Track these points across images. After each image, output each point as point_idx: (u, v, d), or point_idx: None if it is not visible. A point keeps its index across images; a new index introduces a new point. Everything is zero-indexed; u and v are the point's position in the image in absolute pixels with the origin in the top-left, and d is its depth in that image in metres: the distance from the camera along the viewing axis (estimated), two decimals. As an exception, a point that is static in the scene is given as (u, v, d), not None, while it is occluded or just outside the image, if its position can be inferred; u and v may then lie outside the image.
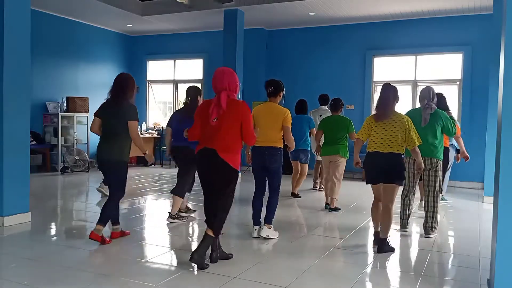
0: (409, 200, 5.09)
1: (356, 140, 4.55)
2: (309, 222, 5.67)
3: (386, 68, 9.62)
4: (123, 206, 6.38)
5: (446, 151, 5.77)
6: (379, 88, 9.59)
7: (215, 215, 3.71)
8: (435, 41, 9.00)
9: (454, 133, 5.03)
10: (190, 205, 6.08)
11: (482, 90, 8.23)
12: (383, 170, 4.25)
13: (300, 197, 7.13)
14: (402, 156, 4.36)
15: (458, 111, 8.81)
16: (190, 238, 4.82)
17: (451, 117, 5.53)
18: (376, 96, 9.66)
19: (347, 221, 5.58)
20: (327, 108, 7.63)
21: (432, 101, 4.90)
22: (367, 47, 9.64)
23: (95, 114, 4.36)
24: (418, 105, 5.19)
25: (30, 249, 4.25)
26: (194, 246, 4.45)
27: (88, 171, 9.58)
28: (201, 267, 3.63)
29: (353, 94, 9.64)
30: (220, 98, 3.65)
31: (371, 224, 5.47)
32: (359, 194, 7.41)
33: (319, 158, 7.25)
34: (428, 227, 4.92)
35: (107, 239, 4.32)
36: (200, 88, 5.52)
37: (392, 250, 4.31)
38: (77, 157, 9.39)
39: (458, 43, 8.82)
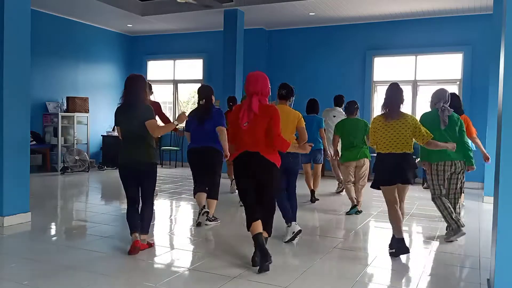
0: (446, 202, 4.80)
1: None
2: (309, 222, 5.67)
3: (386, 68, 9.61)
4: (123, 206, 6.37)
5: None
6: (379, 88, 9.73)
7: (268, 218, 3.85)
8: (435, 41, 8.99)
9: (462, 140, 4.83)
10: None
11: (482, 90, 8.22)
12: (399, 171, 4.17)
13: (318, 200, 6.88)
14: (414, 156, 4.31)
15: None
16: (190, 238, 4.81)
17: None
18: (376, 96, 9.68)
19: (347, 221, 5.58)
20: (341, 110, 7.55)
21: (447, 103, 4.79)
22: (367, 47, 9.64)
23: (115, 124, 4.25)
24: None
25: (30, 249, 4.25)
26: (194, 245, 4.46)
27: (88, 171, 9.58)
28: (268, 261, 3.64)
29: (353, 94, 9.59)
30: (251, 102, 3.65)
31: (371, 224, 5.48)
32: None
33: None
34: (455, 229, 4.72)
35: (151, 242, 4.29)
36: (211, 87, 5.34)
37: (408, 251, 4.16)
38: (77, 157, 9.40)
39: (458, 43, 8.81)
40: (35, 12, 7.72)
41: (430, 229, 5.27)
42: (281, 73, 10.34)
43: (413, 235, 5.08)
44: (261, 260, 3.60)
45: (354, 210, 5.97)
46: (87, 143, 10.15)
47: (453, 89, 8.98)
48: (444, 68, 9.09)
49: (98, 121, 10.75)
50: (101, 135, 10.73)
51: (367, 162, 6.12)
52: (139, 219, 4.17)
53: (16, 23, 4.91)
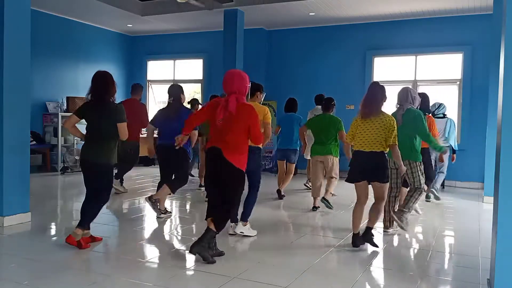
0: (393, 202, 4.98)
1: (346, 144, 4.58)
2: (308, 222, 5.67)
3: (386, 68, 9.62)
4: (123, 206, 6.38)
5: (424, 151, 5.37)
6: (379, 88, 9.68)
7: (219, 212, 3.81)
8: (435, 41, 8.99)
9: (426, 135, 4.83)
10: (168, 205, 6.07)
11: (482, 90, 8.23)
12: (365, 169, 4.27)
13: (284, 196, 6.91)
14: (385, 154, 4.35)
15: (458, 111, 8.82)
16: (190, 238, 4.81)
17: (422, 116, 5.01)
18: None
19: (346, 221, 5.57)
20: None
21: (406, 102, 4.83)
22: (367, 47, 9.64)
23: (75, 113, 4.15)
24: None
25: (30, 249, 4.24)
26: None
27: (88, 171, 9.56)
28: (206, 259, 3.71)
29: (353, 94, 9.62)
30: (228, 101, 3.73)
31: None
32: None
33: (308, 157, 7.19)
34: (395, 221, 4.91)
35: (87, 244, 4.14)
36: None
37: (375, 245, 4.35)
38: (77, 157, 9.37)
39: (458, 43, 8.81)
40: (35, 12, 7.71)
41: (430, 229, 5.27)
42: (281, 73, 10.36)
43: (413, 235, 5.08)
44: (192, 244, 3.74)
45: (315, 210, 6.10)
46: (87, 143, 10.13)
47: (453, 89, 9.00)
48: (444, 68, 9.10)
49: (98, 121, 10.74)
50: (101, 135, 10.72)
51: (333, 160, 6.13)
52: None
53: (16, 23, 4.91)
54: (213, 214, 3.83)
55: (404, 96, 4.86)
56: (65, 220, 5.65)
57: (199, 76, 11.32)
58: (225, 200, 3.84)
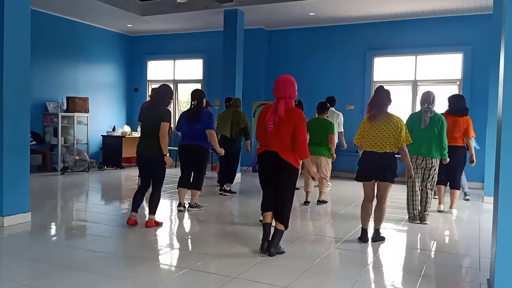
0: (417, 195, 5.50)
1: (358, 146, 4.75)
2: (308, 222, 5.67)
3: (386, 68, 9.62)
4: (123, 206, 6.38)
5: (461, 149, 6.13)
6: (379, 88, 9.70)
7: (282, 211, 4.04)
8: (435, 41, 9.00)
9: (440, 138, 5.37)
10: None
11: (482, 90, 8.23)
12: (377, 168, 4.45)
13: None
14: (396, 155, 4.52)
15: (458, 111, 8.81)
16: (190, 238, 4.82)
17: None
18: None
19: (347, 221, 5.58)
20: (333, 110, 7.94)
21: (431, 105, 5.39)
22: (367, 47, 9.64)
23: (138, 119, 5.18)
24: (418, 105, 5.46)
25: (30, 249, 4.25)
26: (194, 246, 4.46)
27: (88, 171, 9.58)
28: (281, 253, 4.08)
29: (353, 94, 9.64)
30: (278, 106, 3.94)
31: (371, 224, 5.46)
32: (359, 194, 7.38)
33: None
34: (426, 215, 5.50)
35: (160, 222, 5.10)
36: (201, 88, 5.81)
37: (383, 239, 4.66)
38: (77, 157, 9.39)
39: (458, 43, 8.82)
40: (35, 12, 7.72)
41: (430, 229, 5.27)
42: (281, 73, 10.19)
43: (413, 235, 5.08)
44: (267, 247, 4.02)
45: (307, 205, 6.44)
46: (87, 143, 10.14)
47: (453, 89, 8.99)
48: (444, 68, 9.10)
49: (98, 121, 10.75)
50: (101, 135, 10.73)
51: (323, 160, 6.54)
52: (141, 202, 5.07)
53: (16, 23, 4.91)
54: (274, 211, 4.08)
55: (431, 98, 5.44)
56: (65, 220, 5.65)
57: (199, 76, 11.32)
58: (282, 197, 4.03)
